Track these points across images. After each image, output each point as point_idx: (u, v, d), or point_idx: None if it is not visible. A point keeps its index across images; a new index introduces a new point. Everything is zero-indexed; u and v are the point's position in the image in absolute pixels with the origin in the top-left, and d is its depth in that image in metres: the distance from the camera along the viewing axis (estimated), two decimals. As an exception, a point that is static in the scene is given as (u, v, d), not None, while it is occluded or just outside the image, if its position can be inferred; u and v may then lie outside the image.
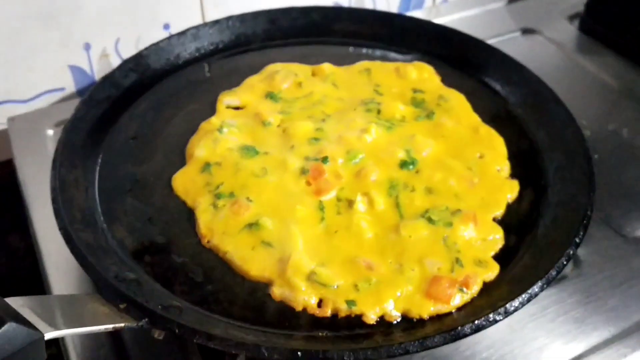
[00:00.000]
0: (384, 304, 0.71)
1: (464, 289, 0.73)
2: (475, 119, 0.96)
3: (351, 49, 1.11)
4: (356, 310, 0.70)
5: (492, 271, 0.75)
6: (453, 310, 0.71)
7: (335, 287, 0.72)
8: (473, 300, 0.73)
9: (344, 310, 0.70)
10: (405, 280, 0.73)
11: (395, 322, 0.71)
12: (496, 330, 0.77)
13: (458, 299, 0.72)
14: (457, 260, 0.75)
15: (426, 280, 0.73)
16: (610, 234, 0.90)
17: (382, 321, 0.71)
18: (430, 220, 0.79)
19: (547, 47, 1.28)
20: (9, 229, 1.13)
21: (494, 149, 0.91)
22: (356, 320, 0.70)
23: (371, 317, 0.70)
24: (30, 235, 0.92)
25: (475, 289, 0.73)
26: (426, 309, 0.71)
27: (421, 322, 0.70)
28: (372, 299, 0.71)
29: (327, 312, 0.71)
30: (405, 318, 0.71)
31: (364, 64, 1.05)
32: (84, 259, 0.71)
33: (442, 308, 0.71)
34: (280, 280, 0.73)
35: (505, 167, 0.89)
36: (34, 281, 0.90)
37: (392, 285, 0.72)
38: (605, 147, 1.04)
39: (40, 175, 0.94)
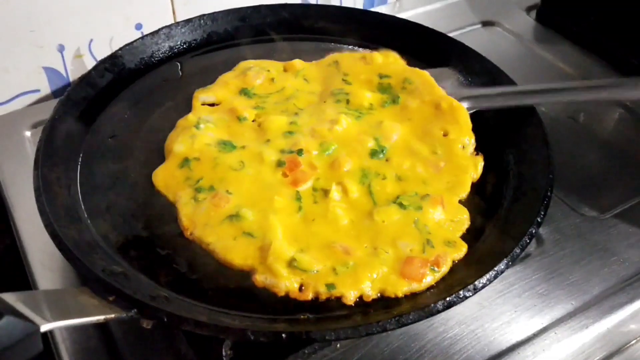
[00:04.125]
0: (362, 285, 0.75)
1: (435, 268, 0.77)
2: (439, 92, 0.99)
3: (320, 44, 1.14)
4: (336, 292, 0.74)
5: (461, 250, 0.80)
6: (426, 289, 0.76)
7: (315, 271, 0.75)
8: (444, 278, 0.77)
9: (324, 293, 0.74)
10: (380, 262, 0.77)
11: (372, 301, 0.74)
12: (467, 307, 0.82)
13: (430, 278, 0.76)
14: (428, 242, 0.79)
15: (400, 262, 0.77)
16: (569, 213, 0.95)
17: (361, 301, 0.74)
18: (401, 205, 0.83)
19: (506, 38, 1.34)
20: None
21: (458, 123, 0.95)
22: (336, 302, 0.74)
23: (350, 299, 0.74)
24: (9, 234, 0.94)
25: (445, 268, 0.78)
26: (401, 288, 0.75)
27: (397, 300, 0.74)
28: (350, 281, 0.75)
29: (309, 295, 0.74)
30: (382, 297, 0.75)
31: (332, 56, 1.09)
32: (71, 254, 0.73)
33: (416, 287, 0.75)
34: (262, 268, 0.76)
35: (470, 140, 0.93)
36: (14, 278, 0.91)
37: (368, 267, 0.76)
38: (563, 131, 1.09)
39: (21, 175, 0.96)
